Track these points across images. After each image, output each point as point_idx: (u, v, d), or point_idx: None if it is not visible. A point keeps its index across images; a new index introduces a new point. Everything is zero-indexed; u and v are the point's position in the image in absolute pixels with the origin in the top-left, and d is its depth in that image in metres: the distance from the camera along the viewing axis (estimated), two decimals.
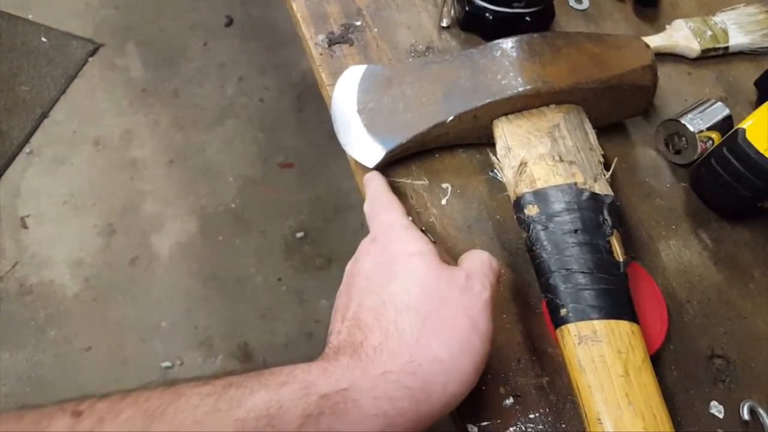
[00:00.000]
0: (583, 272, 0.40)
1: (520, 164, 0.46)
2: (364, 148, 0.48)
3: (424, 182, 0.51)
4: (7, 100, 1.46)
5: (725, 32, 0.62)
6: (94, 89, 1.53)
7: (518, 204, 0.45)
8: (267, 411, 0.28)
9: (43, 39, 1.58)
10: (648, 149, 0.56)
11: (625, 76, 0.49)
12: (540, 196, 0.44)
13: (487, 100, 0.48)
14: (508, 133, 0.49)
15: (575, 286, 0.40)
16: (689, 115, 0.53)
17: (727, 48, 0.62)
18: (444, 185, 0.51)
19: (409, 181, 0.50)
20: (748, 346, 0.47)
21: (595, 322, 0.38)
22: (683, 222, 0.53)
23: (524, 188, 0.45)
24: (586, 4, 0.63)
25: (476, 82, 0.49)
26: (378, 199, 0.45)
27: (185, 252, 1.36)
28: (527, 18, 0.57)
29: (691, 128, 0.52)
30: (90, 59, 1.58)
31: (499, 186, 0.51)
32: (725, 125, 0.54)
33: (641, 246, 0.51)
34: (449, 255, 0.47)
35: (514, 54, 0.50)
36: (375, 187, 0.46)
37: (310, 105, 1.57)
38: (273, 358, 1.28)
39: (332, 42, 0.57)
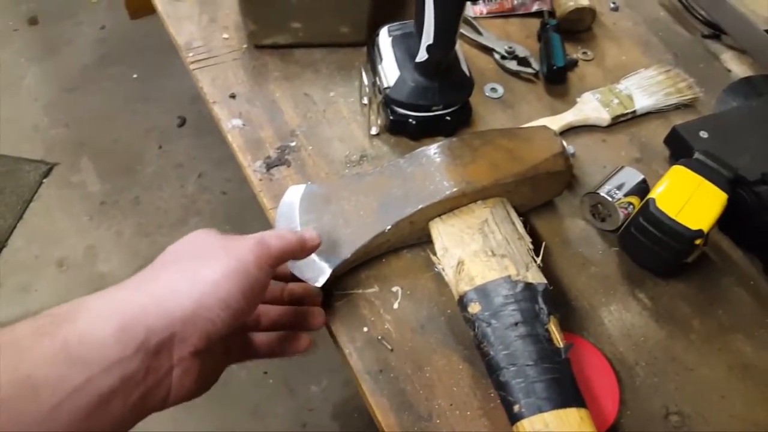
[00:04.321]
0: (528, 365, 0.43)
1: (458, 263, 0.50)
2: (311, 268, 0.51)
3: (374, 289, 0.53)
4: None
5: (630, 98, 0.68)
6: (52, 210, 1.54)
7: (462, 303, 0.48)
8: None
9: None
10: (577, 220, 0.60)
11: (540, 166, 0.54)
12: (480, 293, 0.47)
13: (420, 206, 0.52)
14: (443, 233, 0.52)
15: (524, 380, 0.43)
16: (606, 186, 0.58)
17: (634, 112, 0.67)
18: (394, 289, 0.54)
19: (360, 290, 0.53)
20: (699, 398, 0.50)
21: (545, 414, 0.41)
22: (620, 286, 0.56)
23: (465, 286, 0.48)
24: (500, 91, 0.69)
25: (407, 189, 0.53)
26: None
27: None
28: (447, 117, 0.62)
29: (609, 199, 0.56)
30: (44, 181, 1.60)
31: (444, 281, 0.54)
32: (641, 188, 0.58)
33: (584, 317, 0.54)
34: (408, 359, 0.49)
35: (438, 159, 0.54)
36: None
37: None
38: None
39: (270, 166, 0.61)
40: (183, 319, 0.35)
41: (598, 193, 0.57)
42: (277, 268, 0.43)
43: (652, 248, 0.52)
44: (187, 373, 0.36)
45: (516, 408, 0.42)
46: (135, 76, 1.87)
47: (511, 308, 0.46)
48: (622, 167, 0.60)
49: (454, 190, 0.52)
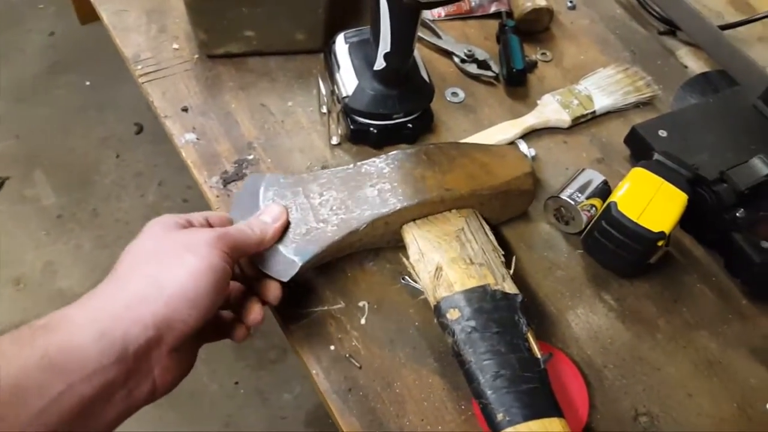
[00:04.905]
0: (509, 374, 0.43)
1: (436, 269, 0.48)
2: (278, 261, 0.48)
3: (340, 305, 0.52)
4: None
5: (590, 98, 0.68)
6: (6, 226, 1.48)
7: (438, 309, 0.47)
8: None
9: None
10: (541, 224, 0.60)
11: (512, 182, 0.54)
12: (459, 300, 0.46)
13: (398, 207, 0.50)
14: (418, 238, 0.51)
15: (507, 389, 0.42)
16: (568, 189, 0.58)
17: (594, 112, 0.67)
18: (361, 303, 0.53)
19: (326, 308, 0.52)
20: (666, 397, 0.51)
21: (530, 423, 0.40)
22: (586, 288, 0.56)
23: (443, 292, 0.47)
24: (461, 96, 0.68)
25: (383, 189, 0.51)
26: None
27: None
28: (409, 125, 0.61)
29: (572, 202, 0.56)
30: None
31: (412, 292, 0.53)
32: (603, 190, 0.58)
33: (552, 321, 0.54)
34: (377, 375, 0.48)
35: (416, 163, 0.53)
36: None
37: None
38: None
39: (227, 181, 0.59)
40: (156, 325, 0.36)
41: (560, 197, 0.57)
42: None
43: (616, 251, 0.52)
44: (167, 370, 0.38)
45: (499, 417, 0.41)
46: (88, 83, 1.81)
47: (492, 317, 0.45)
48: (584, 169, 0.60)
49: (434, 194, 0.51)
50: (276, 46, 0.68)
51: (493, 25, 0.74)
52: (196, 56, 0.68)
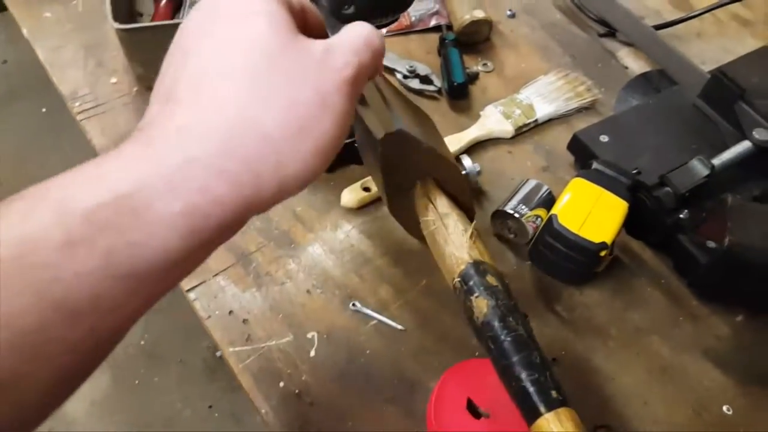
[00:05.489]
0: (538, 360, 0.39)
1: (472, 230, 0.45)
2: None
3: (289, 338, 0.51)
4: None
5: (532, 107, 0.68)
6: None
7: (478, 269, 0.42)
8: (12, 251, 0.21)
9: None
10: (489, 237, 0.60)
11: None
12: (490, 269, 0.42)
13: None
14: (440, 196, 0.47)
15: (536, 375, 0.38)
16: (512, 202, 0.57)
17: (536, 120, 0.67)
18: (310, 335, 0.52)
19: (273, 342, 0.51)
20: (623, 408, 0.51)
21: (560, 411, 0.36)
22: (537, 300, 0.56)
23: (478, 256, 0.43)
24: None
25: None
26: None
27: (103, 408, 1.29)
28: (356, 144, 0.60)
29: (516, 215, 0.56)
30: None
31: (364, 319, 0.53)
32: (547, 200, 0.58)
33: None
34: (329, 411, 0.48)
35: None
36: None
37: None
38: None
39: None
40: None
41: (505, 210, 0.57)
42: None
43: (561, 263, 0.52)
44: None
45: (553, 394, 0.37)
46: (44, 110, 1.78)
47: (512, 301, 0.42)
48: (527, 180, 0.60)
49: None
50: None
51: (435, 38, 0.74)
52: (135, 89, 0.67)
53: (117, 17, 0.60)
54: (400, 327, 0.53)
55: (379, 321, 0.53)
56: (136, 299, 0.24)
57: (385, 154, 0.44)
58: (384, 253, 0.57)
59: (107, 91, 0.67)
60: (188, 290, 0.54)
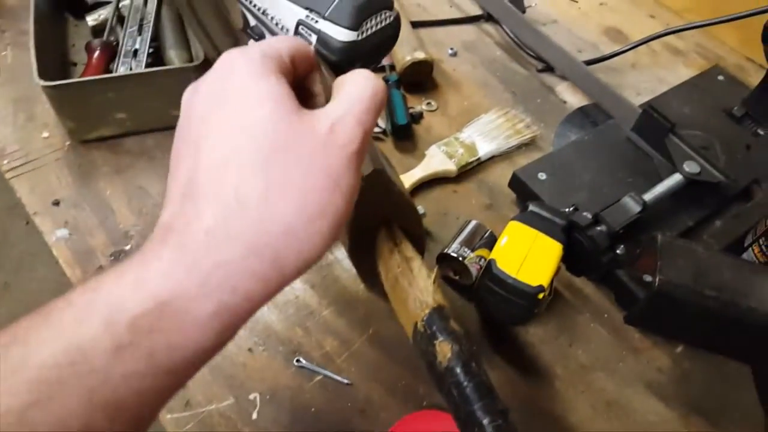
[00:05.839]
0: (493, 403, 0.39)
1: (435, 274, 0.45)
2: None
3: (230, 401, 0.50)
4: None
5: (474, 145, 0.69)
6: None
7: (442, 313, 0.42)
8: (66, 359, 0.23)
9: None
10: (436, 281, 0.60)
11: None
12: (451, 313, 0.42)
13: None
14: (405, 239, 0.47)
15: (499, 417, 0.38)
16: (455, 245, 0.58)
17: (479, 159, 0.68)
18: (252, 396, 0.51)
19: (213, 406, 0.50)
20: None
21: None
22: (483, 341, 0.56)
23: (441, 299, 0.43)
24: None
25: None
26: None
27: None
28: None
29: (459, 258, 0.56)
30: None
31: (309, 375, 0.52)
32: (489, 241, 0.59)
33: None
34: None
35: None
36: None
37: None
38: None
39: None
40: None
41: (448, 254, 0.57)
42: None
43: (502, 305, 0.53)
44: None
45: None
46: None
47: (473, 346, 0.41)
48: (469, 221, 0.60)
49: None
50: (152, 124, 0.66)
51: None
52: (68, 143, 0.65)
53: (45, 71, 0.59)
54: (346, 381, 0.52)
55: (325, 376, 0.52)
56: (174, 387, 0.26)
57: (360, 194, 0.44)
58: (329, 303, 0.57)
59: (39, 147, 0.65)
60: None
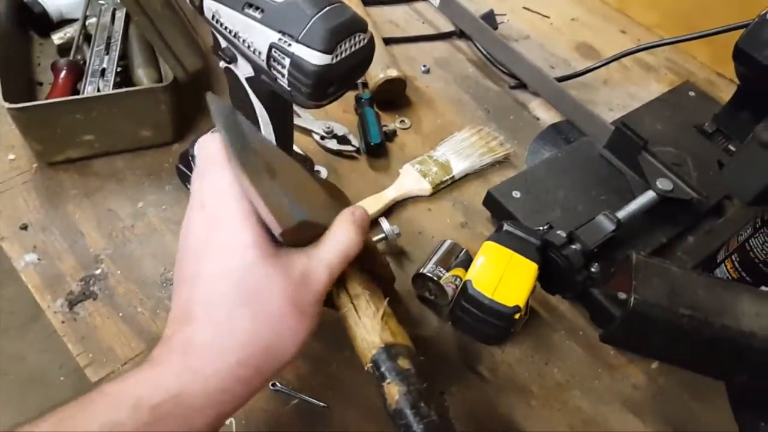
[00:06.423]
0: None
1: (384, 312, 0.43)
2: None
3: None
4: None
5: (448, 163, 0.69)
6: None
7: (389, 353, 0.41)
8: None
9: None
10: (413, 301, 0.59)
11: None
12: (402, 350, 0.41)
13: None
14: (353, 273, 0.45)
15: None
16: (430, 264, 0.58)
17: (453, 177, 0.68)
18: (227, 421, 0.49)
19: None
20: None
21: None
22: (458, 362, 0.56)
23: (389, 338, 0.41)
24: (324, 173, 0.67)
25: None
26: (209, 159, 0.38)
27: None
28: None
29: (435, 278, 0.56)
30: None
31: (285, 398, 0.51)
32: (464, 260, 0.59)
33: None
34: None
35: None
36: (209, 149, 0.38)
37: None
38: None
39: (73, 303, 0.54)
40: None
41: (424, 274, 0.57)
42: None
43: (478, 325, 0.52)
44: None
45: None
46: None
47: (424, 384, 0.40)
48: (444, 241, 0.60)
49: None
50: (121, 145, 0.65)
51: (351, 96, 0.74)
52: (35, 165, 0.64)
53: (10, 92, 0.57)
54: (322, 404, 0.52)
55: (301, 399, 0.52)
56: None
57: (288, 244, 0.43)
58: None
59: (5, 170, 0.63)
60: (96, 381, 0.51)
